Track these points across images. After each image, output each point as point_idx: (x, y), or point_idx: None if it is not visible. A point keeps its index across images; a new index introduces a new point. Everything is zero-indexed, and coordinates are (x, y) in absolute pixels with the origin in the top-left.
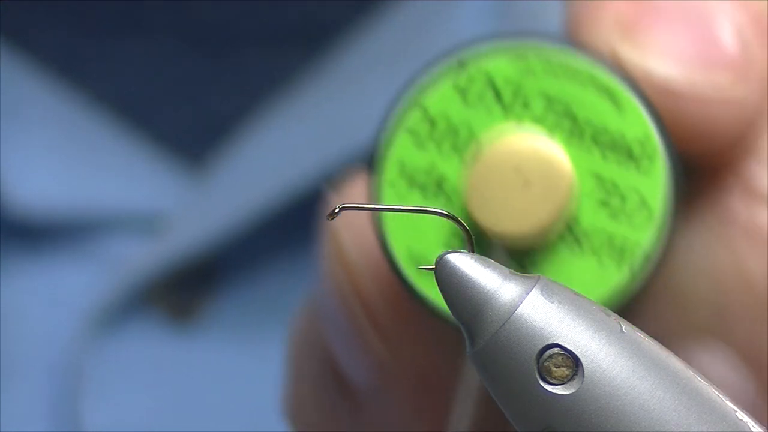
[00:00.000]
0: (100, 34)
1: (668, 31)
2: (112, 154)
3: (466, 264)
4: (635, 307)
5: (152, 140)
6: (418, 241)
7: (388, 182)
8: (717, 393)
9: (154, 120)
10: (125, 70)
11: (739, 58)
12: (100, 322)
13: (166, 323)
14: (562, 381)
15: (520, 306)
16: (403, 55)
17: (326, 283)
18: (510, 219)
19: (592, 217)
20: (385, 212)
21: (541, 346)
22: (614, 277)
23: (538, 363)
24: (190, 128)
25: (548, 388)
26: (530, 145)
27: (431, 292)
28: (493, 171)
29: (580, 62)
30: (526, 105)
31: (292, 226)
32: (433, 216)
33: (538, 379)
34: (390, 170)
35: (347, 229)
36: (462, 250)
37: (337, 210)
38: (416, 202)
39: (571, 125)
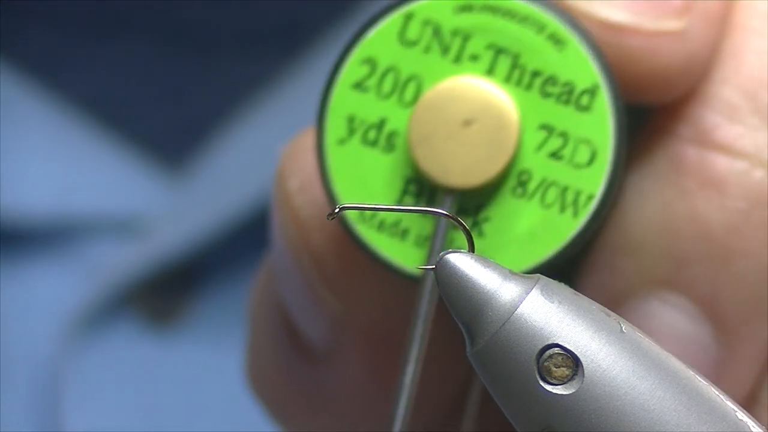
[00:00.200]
0: (79, 36)
1: None
2: (90, 158)
3: (466, 264)
4: (591, 260)
5: (131, 143)
6: (369, 198)
7: (338, 139)
8: (717, 393)
9: (133, 123)
10: (104, 73)
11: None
12: (81, 326)
13: (146, 326)
14: (562, 381)
15: (520, 306)
16: None
17: (279, 241)
18: (456, 166)
19: (541, 166)
20: (332, 172)
21: (541, 346)
22: (566, 227)
23: (538, 363)
24: (169, 131)
25: (548, 388)
26: (471, 86)
27: (382, 246)
28: (436, 115)
29: (523, 5)
30: (471, 53)
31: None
32: (384, 173)
33: (538, 379)
34: (338, 125)
35: (297, 187)
36: (462, 250)
37: (337, 210)
38: (369, 158)
39: (517, 71)
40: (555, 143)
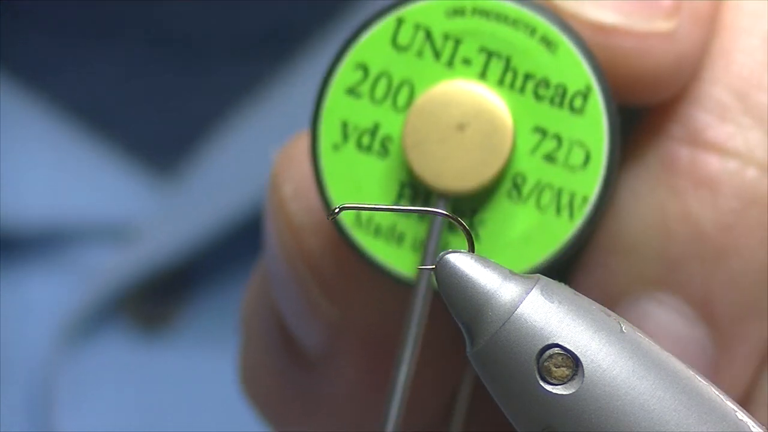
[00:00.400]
0: (69, 42)
1: None
2: (81, 163)
3: (466, 264)
4: (584, 260)
5: (122, 148)
6: (364, 202)
7: (332, 144)
8: (717, 393)
9: (124, 128)
10: (94, 79)
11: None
12: (73, 331)
13: (138, 332)
14: (562, 381)
15: (520, 306)
16: None
17: (272, 247)
18: (450, 170)
19: (535, 169)
20: (327, 178)
21: (541, 346)
22: (562, 229)
23: (538, 363)
24: (160, 136)
25: (548, 388)
26: (464, 90)
27: (378, 252)
28: (429, 119)
29: (514, 8)
30: (463, 57)
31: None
32: (379, 178)
33: (538, 379)
34: (332, 131)
35: (291, 193)
36: (462, 250)
37: (337, 210)
38: (364, 163)
39: (509, 74)
40: (549, 146)
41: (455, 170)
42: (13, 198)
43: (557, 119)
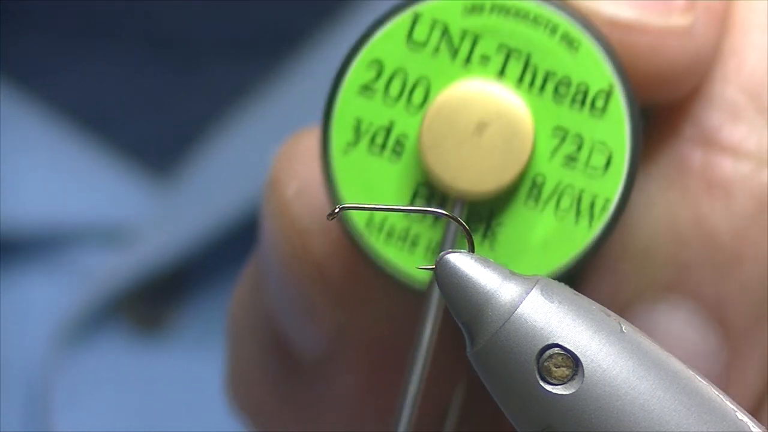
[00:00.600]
0: (65, 45)
1: None
2: (78, 165)
3: (466, 264)
4: (594, 265)
5: (118, 151)
6: (375, 203)
7: (344, 144)
8: (717, 393)
9: (120, 130)
10: (90, 81)
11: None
12: (70, 333)
13: (134, 334)
14: (562, 381)
15: (520, 306)
16: None
17: (272, 247)
18: (468, 172)
19: (555, 171)
20: (338, 177)
21: (541, 346)
22: (582, 233)
23: (538, 363)
24: (156, 138)
25: (548, 388)
26: (484, 90)
27: (390, 258)
28: (448, 119)
29: (534, 5)
30: (481, 55)
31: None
32: (392, 179)
33: (538, 379)
34: (344, 130)
35: (295, 193)
36: (462, 250)
37: (337, 210)
38: (377, 163)
39: (529, 73)
40: (569, 147)
41: (473, 172)
42: (10, 200)
43: (578, 120)
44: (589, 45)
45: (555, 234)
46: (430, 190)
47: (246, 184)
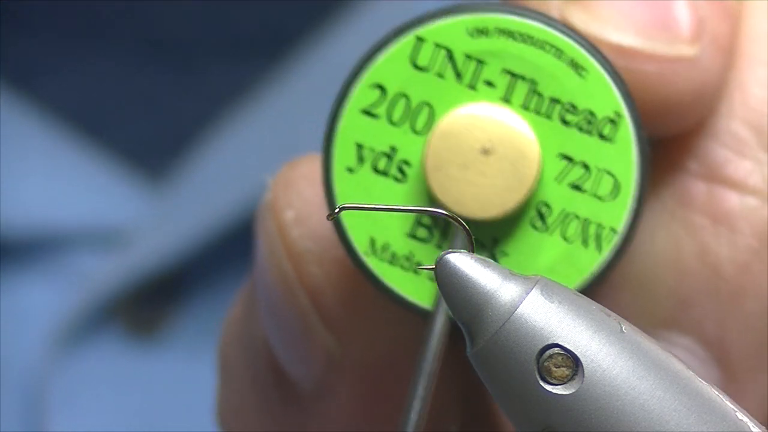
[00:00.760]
0: (59, 47)
1: (621, 0)
2: (72, 168)
3: (466, 264)
4: (592, 296)
5: (112, 153)
6: (379, 230)
7: (346, 167)
8: (717, 393)
9: (116, 132)
10: (86, 82)
11: (693, 25)
12: (65, 337)
13: (130, 337)
14: (562, 381)
15: (520, 306)
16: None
17: (268, 273)
18: (472, 197)
19: (561, 197)
20: (341, 199)
21: (541, 346)
22: (588, 261)
23: (538, 363)
24: (152, 140)
25: (548, 388)
26: (490, 113)
27: (396, 282)
28: (453, 143)
29: (541, 29)
30: (486, 79)
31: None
32: (393, 202)
33: (538, 379)
34: (346, 153)
35: (293, 219)
36: (462, 251)
37: (337, 210)
38: (379, 188)
39: (534, 99)
40: (576, 174)
41: (478, 197)
42: (6, 202)
43: (585, 146)
44: (596, 70)
45: (561, 261)
46: (435, 217)
47: (242, 186)
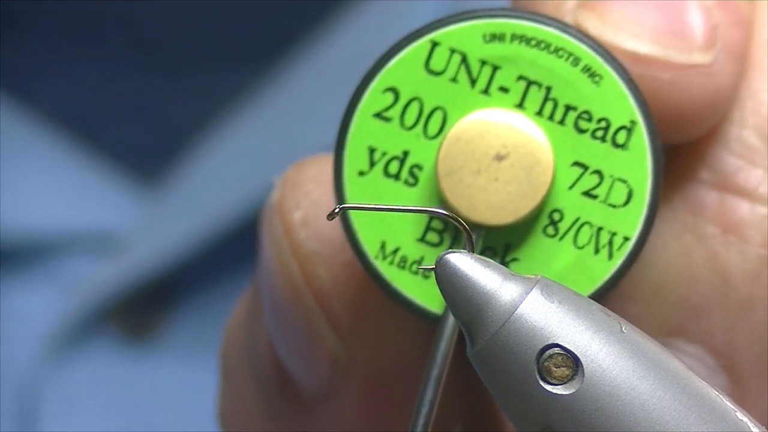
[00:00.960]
0: (51, 51)
1: (635, 6)
2: (66, 172)
3: (466, 264)
4: (605, 301)
5: (106, 158)
6: (390, 234)
7: (358, 171)
8: (717, 393)
9: (108, 137)
10: (77, 87)
11: (707, 32)
12: (59, 342)
13: (124, 342)
14: (562, 381)
15: (520, 306)
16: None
17: (274, 275)
18: (485, 203)
19: (574, 205)
20: (352, 201)
21: (541, 346)
22: (600, 269)
23: (538, 363)
24: (144, 145)
25: (548, 388)
26: (505, 119)
27: (405, 287)
28: (466, 148)
29: (556, 35)
30: (500, 84)
31: (248, 243)
32: (404, 206)
33: (538, 379)
34: (358, 156)
35: (301, 220)
36: (462, 250)
37: (337, 210)
38: (391, 192)
39: (549, 105)
40: (589, 181)
41: (491, 203)
42: None
43: (599, 154)
44: (612, 78)
45: (572, 268)
46: (444, 220)
47: (235, 190)
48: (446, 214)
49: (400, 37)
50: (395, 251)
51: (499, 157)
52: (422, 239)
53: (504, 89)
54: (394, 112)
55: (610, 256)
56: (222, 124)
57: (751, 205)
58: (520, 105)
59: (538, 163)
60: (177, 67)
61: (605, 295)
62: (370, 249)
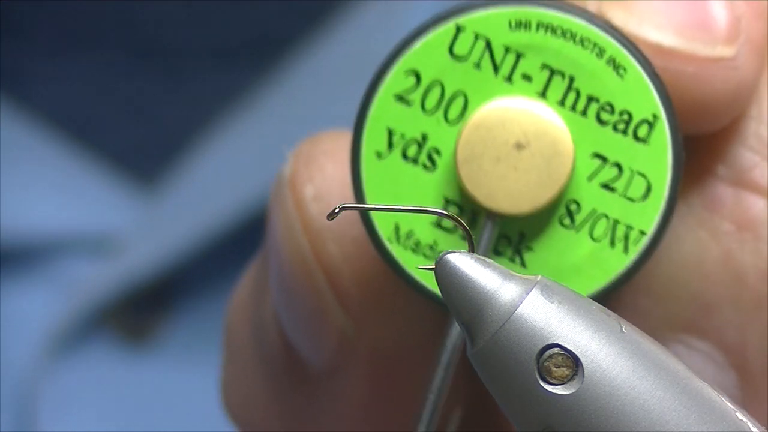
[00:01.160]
0: (49, 52)
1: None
2: (62, 175)
3: (466, 264)
4: (612, 298)
5: (103, 160)
6: (405, 217)
7: (376, 152)
8: (717, 393)
9: (105, 139)
10: (74, 89)
11: (730, 25)
12: (56, 344)
13: (121, 344)
14: (562, 381)
15: (520, 306)
16: (354, 70)
17: (283, 249)
18: (503, 191)
19: (591, 197)
20: (367, 188)
21: (541, 346)
22: (615, 262)
23: (538, 363)
24: (141, 146)
25: (548, 388)
26: (526, 107)
27: (418, 271)
28: (487, 135)
29: (583, 26)
30: (523, 72)
31: (246, 244)
32: (421, 190)
33: (538, 379)
34: (377, 137)
35: (312, 195)
36: (462, 251)
37: (337, 210)
38: (408, 175)
39: (572, 96)
40: (608, 174)
41: (509, 191)
42: None
43: (619, 147)
44: (636, 71)
45: (587, 260)
46: (460, 206)
47: (233, 192)
48: (447, 214)
49: (425, 20)
50: (409, 235)
51: (519, 146)
52: (437, 224)
53: (527, 77)
54: (416, 95)
55: (626, 249)
56: (220, 126)
57: (766, 202)
58: (543, 94)
59: (558, 153)
60: (174, 69)
61: (619, 289)
62: (384, 231)
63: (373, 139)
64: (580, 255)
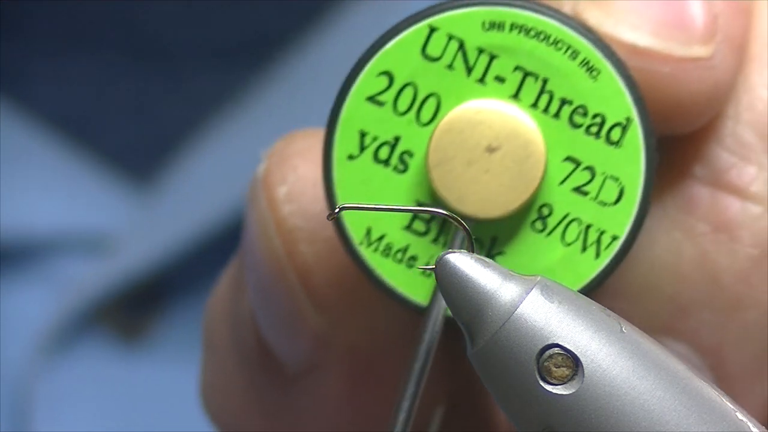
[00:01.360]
0: (45, 51)
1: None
2: (57, 173)
3: (466, 264)
4: (593, 297)
5: (98, 158)
6: (377, 220)
7: (347, 154)
8: (717, 393)
9: (100, 138)
10: (70, 88)
11: (707, 24)
12: (50, 343)
13: (115, 343)
14: (562, 381)
15: (520, 306)
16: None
17: (257, 249)
18: (475, 195)
19: (563, 201)
20: (339, 190)
21: (541, 346)
22: (586, 267)
23: (538, 363)
24: (136, 146)
25: (548, 388)
26: (498, 110)
27: (389, 275)
28: (458, 138)
29: (557, 27)
30: (497, 74)
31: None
32: (393, 193)
33: (538, 379)
34: (349, 139)
35: (285, 195)
36: (462, 251)
37: (337, 210)
38: (379, 178)
39: (545, 98)
40: (580, 177)
41: (481, 195)
42: None
43: (592, 150)
44: (610, 73)
45: (558, 265)
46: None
47: (227, 191)
48: (445, 214)
49: (397, 22)
50: (380, 238)
51: (491, 149)
52: (409, 227)
53: (500, 79)
54: (388, 97)
55: (598, 254)
56: (214, 126)
57: (742, 203)
58: (516, 96)
59: (530, 156)
60: (171, 69)
61: (591, 293)
62: (356, 234)
63: (344, 141)
64: (552, 259)
